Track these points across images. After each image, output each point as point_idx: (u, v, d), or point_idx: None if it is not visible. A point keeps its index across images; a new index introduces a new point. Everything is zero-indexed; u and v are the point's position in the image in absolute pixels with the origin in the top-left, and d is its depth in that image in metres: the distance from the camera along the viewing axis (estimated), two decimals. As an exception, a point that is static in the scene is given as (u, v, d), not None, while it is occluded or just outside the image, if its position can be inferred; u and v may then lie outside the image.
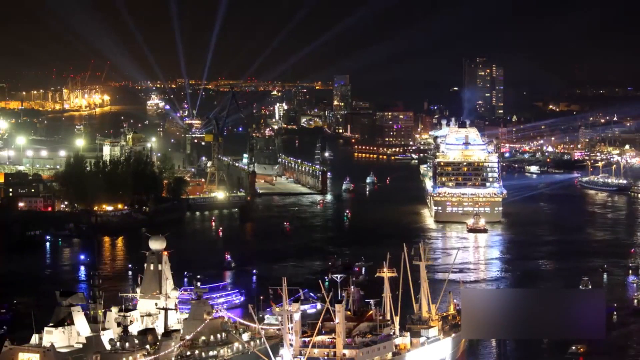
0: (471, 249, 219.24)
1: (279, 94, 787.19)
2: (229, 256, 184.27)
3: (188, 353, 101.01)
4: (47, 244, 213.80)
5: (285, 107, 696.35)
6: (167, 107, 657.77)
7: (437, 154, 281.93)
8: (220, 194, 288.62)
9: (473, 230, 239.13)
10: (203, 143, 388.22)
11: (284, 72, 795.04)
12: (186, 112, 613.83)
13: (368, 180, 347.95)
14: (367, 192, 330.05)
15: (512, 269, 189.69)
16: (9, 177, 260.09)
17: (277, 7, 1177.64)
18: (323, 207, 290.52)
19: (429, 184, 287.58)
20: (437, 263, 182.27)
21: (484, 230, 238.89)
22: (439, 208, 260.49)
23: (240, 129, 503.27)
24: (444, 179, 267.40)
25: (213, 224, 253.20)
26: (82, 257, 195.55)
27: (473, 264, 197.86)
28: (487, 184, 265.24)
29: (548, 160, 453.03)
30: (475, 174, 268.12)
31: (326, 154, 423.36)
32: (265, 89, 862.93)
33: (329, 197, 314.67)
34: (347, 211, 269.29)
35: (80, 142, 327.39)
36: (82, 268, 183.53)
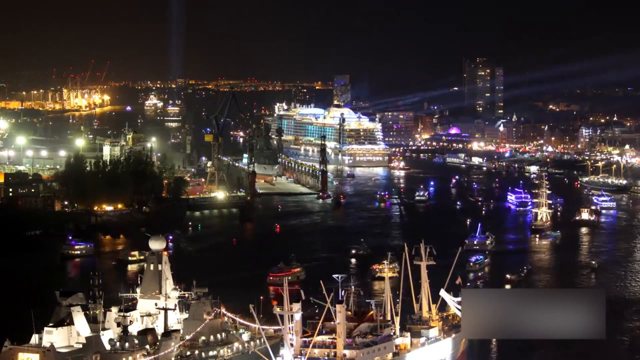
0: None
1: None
2: None
3: (188, 353, 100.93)
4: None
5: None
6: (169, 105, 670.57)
7: (344, 124, 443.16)
8: (220, 194, 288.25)
9: None
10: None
11: (280, 69, 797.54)
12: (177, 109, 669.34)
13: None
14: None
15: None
16: (9, 177, 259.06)
17: (274, 3, 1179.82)
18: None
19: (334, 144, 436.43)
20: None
21: None
22: (350, 158, 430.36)
23: (240, 133, 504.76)
24: (350, 139, 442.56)
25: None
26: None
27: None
28: (377, 143, 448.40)
29: (548, 160, 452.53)
30: (369, 136, 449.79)
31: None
32: (266, 88, 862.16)
33: (328, 199, 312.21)
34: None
35: (80, 142, 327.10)
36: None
